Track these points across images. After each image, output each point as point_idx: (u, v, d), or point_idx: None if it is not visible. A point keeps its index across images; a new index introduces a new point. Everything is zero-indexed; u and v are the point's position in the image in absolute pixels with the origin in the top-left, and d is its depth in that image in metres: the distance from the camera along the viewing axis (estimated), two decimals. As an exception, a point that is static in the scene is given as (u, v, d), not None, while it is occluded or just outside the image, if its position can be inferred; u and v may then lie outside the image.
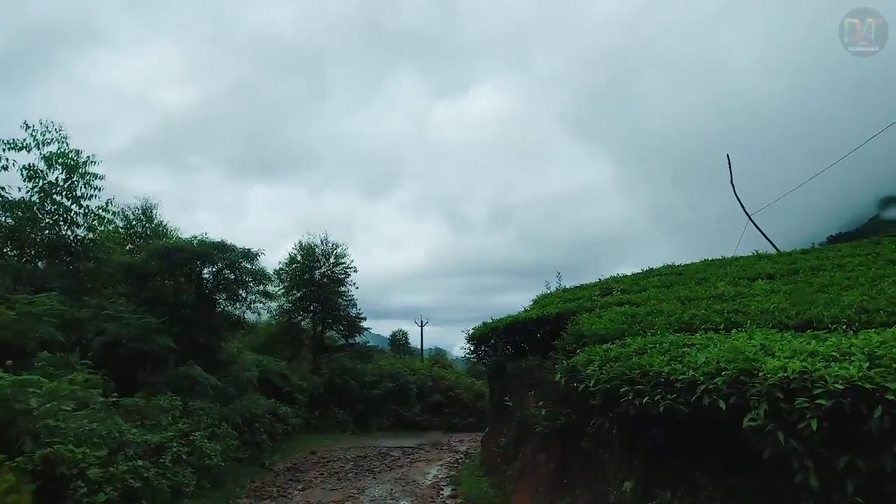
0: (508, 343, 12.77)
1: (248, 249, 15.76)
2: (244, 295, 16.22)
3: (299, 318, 28.06)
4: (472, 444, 22.93)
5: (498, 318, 13.55)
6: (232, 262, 15.62)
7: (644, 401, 4.86)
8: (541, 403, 9.54)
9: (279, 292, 27.55)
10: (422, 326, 44.59)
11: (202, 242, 15.26)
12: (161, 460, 7.63)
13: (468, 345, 14.29)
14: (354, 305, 28.87)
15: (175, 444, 8.31)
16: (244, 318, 16.92)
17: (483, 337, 13.34)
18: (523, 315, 13.10)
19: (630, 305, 10.37)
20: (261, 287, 16.46)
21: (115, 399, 10.13)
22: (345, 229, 67.12)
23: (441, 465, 15.65)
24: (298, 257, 27.92)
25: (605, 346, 6.94)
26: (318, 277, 27.82)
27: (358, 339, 29.18)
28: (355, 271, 28.70)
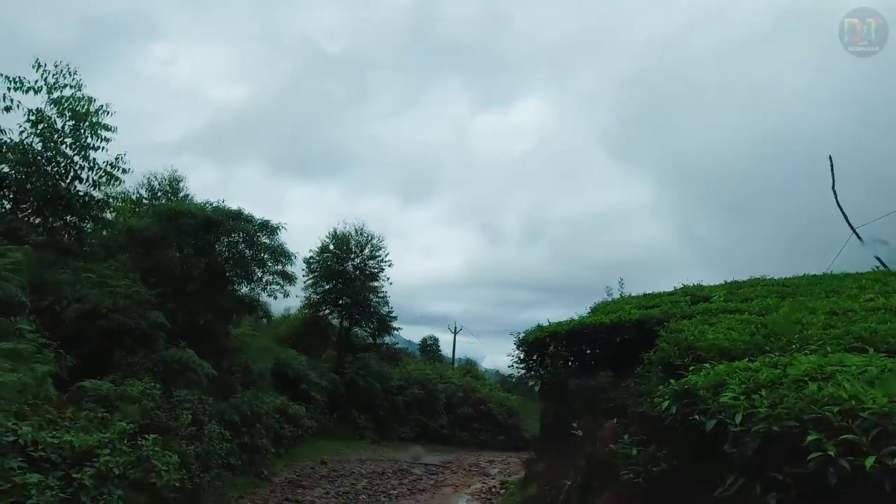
0: (571, 353, 9.88)
1: (268, 221, 13.41)
2: (260, 274, 13.85)
3: (326, 311, 25.64)
4: (503, 466, 19.90)
5: (557, 321, 10.69)
6: (249, 234, 13.29)
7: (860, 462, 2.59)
8: (627, 438, 6.65)
9: (307, 282, 25.32)
10: (455, 333, 41.75)
11: (217, 209, 12.98)
12: (77, 475, 5.11)
13: (516, 352, 11.47)
14: (386, 303, 26.32)
15: (109, 451, 5.77)
16: (259, 302, 14.48)
17: (537, 343, 10.43)
18: (590, 319, 10.17)
19: (749, 314, 7.46)
20: (280, 267, 14.04)
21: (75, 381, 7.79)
22: (378, 232, 65.15)
23: (472, 497, 12.77)
24: (331, 246, 25.54)
25: (738, 365, 4.46)
26: (349, 270, 25.39)
27: (387, 339, 26.56)
28: (390, 265, 26.19)
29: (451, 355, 40.56)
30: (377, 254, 26.05)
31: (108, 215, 13.04)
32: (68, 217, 12.90)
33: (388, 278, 26.19)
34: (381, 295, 26.09)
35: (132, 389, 8.51)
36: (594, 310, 11.30)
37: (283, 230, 13.43)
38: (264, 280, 13.85)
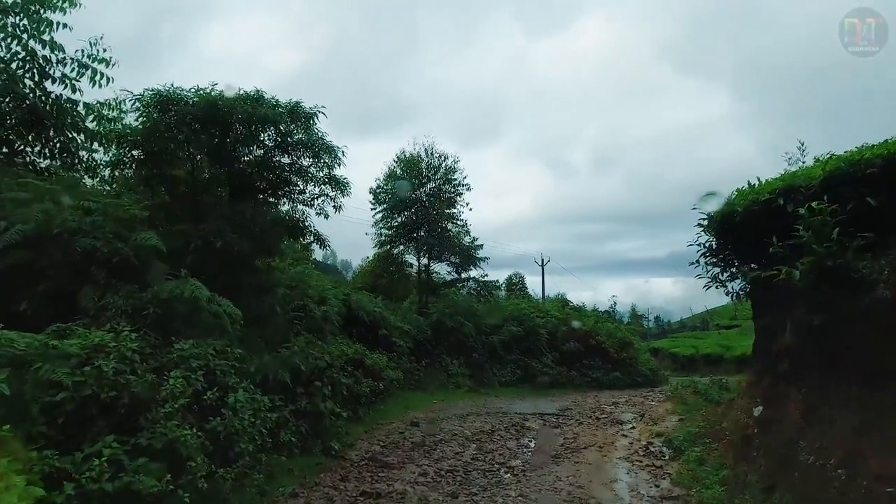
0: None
1: (298, 103, 9.36)
2: (302, 186, 9.96)
3: (401, 247, 21.88)
4: (633, 410, 15.66)
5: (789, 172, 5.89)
6: (281, 133, 9.33)
7: None
8: None
9: (376, 216, 21.61)
10: (542, 266, 37.17)
11: (223, 97, 8.98)
12: None
13: (703, 239, 6.88)
14: (468, 232, 22.14)
15: None
16: (305, 223, 10.57)
17: (750, 216, 5.79)
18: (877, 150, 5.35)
19: None
20: (325, 171, 10.04)
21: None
22: (453, 152, 60.67)
23: (631, 465, 8.58)
24: (398, 171, 21.53)
25: None
26: (423, 197, 21.32)
27: (473, 272, 22.52)
28: (469, 189, 21.80)
29: (538, 293, 36.23)
30: (453, 177, 21.71)
31: (91, 124, 9.52)
32: (49, 133, 9.50)
33: (468, 204, 21.92)
34: (461, 223, 21.95)
35: (72, 347, 4.87)
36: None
37: (320, 117, 9.33)
38: (307, 192, 9.96)
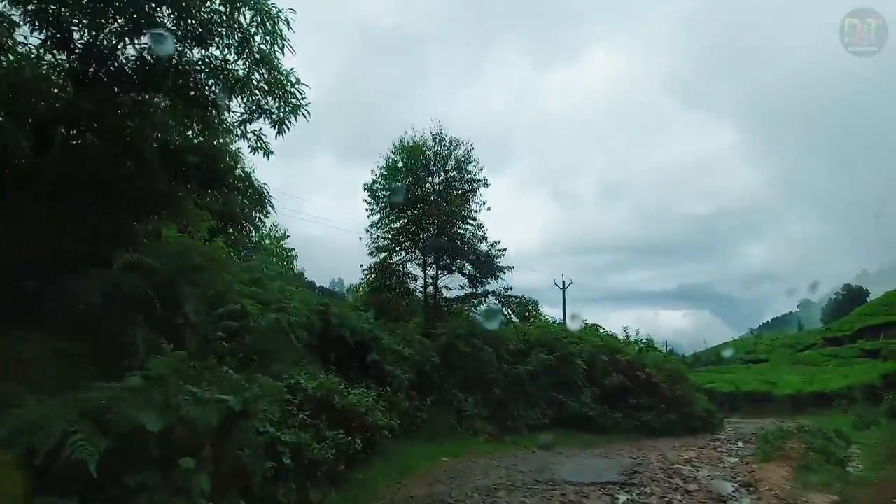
0: None
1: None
2: (212, 94, 5.66)
3: (402, 254, 17.54)
4: (723, 471, 11.03)
5: None
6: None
7: None
8: None
9: (372, 218, 17.34)
10: (564, 289, 32.54)
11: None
12: None
13: None
14: (485, 236, 17.71)
15: None
16: (232, 159, 6.09)
17: None
18: None
19: None
20: (255, 72, 5.72)
21: None
22: (467, 138, 56.47)
23: None
24: (399, 163, 17.40)
25: None
26: (430, 192, 17.11)
27: (491, 286, 17.95)
28: (486, 185, 17.57)
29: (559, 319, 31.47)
30: (467, 167, 17.50)
31: None
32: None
33: (486, 202, 17.64)
34: (476, 224, 17.58)
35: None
36: None
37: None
38: (221, 102, 5.61)
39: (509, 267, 17.34)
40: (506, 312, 16.71)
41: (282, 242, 18.03)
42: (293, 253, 17.51)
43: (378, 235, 17.38)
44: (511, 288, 16.87)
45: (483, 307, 16.73)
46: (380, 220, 17.36)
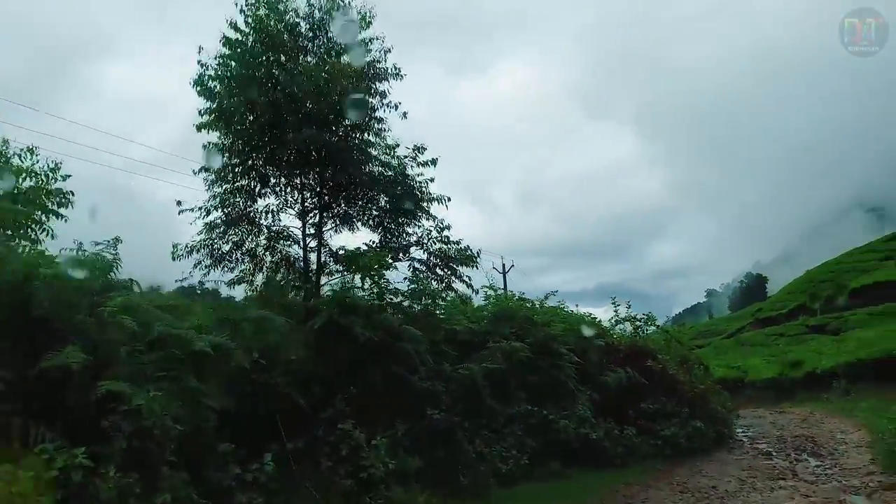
0: None
1: None
2: None
3: (257, 189, 9.92)
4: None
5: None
6: None
7: None
8: None
9: (212, 128, 9.77)
10: (504, 273, 26.22)
11: None
12: None
13: None
14: (403, 174, 10.56)
15: None
16: None
17: None
18: None
19: None
20: None
21: None
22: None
23: None
24: (249, 40, 9.87)
25: None
26: (301, 80, 9.69)
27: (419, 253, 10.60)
28: (397, 77, 10.41)
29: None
30: (370, 48, 10.29)
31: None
32: None
33: (399, 106, 10.45)
34: (390, 150, 10.36)
35: None
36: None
37: None
38: None
39: (449, 227, 10.23)
40: (442, 274, 9.61)
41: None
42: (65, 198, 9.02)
43: (227, 167, 9.77)
44: (449, 227, 9.76)
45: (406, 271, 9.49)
46: (227, 142, 9.78)
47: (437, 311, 8.51)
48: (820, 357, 22.87)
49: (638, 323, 12.80)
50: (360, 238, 10.42)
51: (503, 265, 25.36)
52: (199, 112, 9.67)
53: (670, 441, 10.27)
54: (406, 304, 7.80)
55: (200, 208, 9.55)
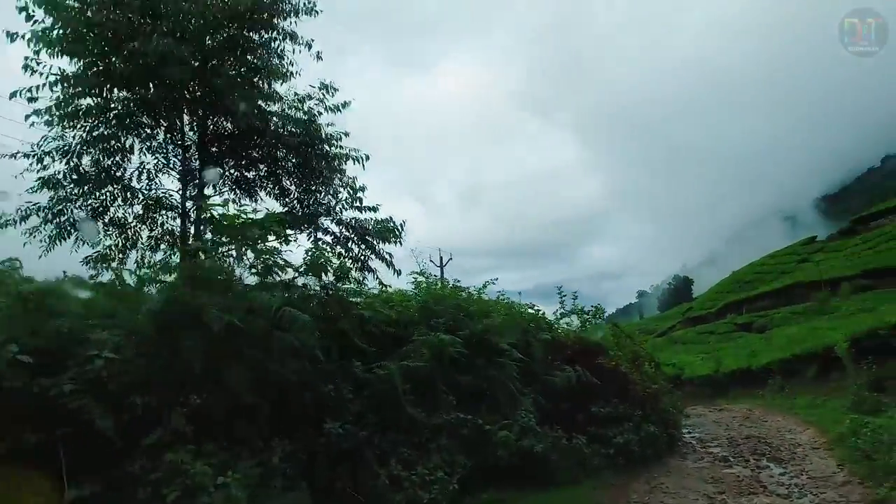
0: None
1: None
2: None
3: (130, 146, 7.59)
4: None
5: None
6: None
7: None
8: None
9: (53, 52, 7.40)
10: (442, 266, 24.57)
11: None
12: None
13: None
14: (312, 124, 8.39)
15: None
16: None
17: None
18: None
19: None
20: None
21: None
22: None
23: None
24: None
25: None
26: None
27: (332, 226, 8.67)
28: (314, 12, 8.43)
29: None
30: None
31: None
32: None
33: (319, 52, 8.41)
34: (295, 99, 8.34)
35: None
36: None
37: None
38: None
39: (358, 187, 8.27)
40: (358, 251, 7.65)
41: None
42: None
43: (70, 100, 7.41)
44: (364, 190, 7.78)
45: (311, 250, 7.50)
46: (77, 70, 7.40)
47: (346, 294, 6.59)
48: (755, 354, 22.84)
49: (586, 316, 11.42)
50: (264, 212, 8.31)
51: (440, 258, 23.66)
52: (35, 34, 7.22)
53: (623, 449, 8.90)
54: (301, 282, 5.86)
55: (32, 155, 7.13)
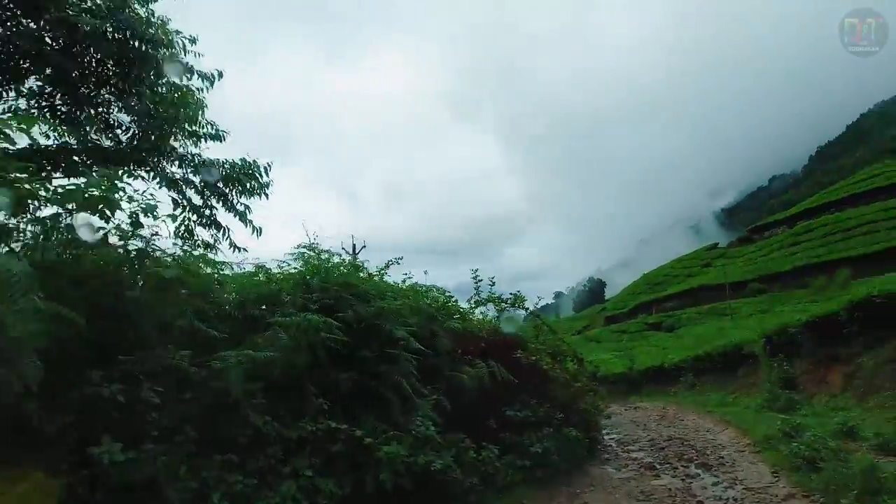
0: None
1: None
2: None
3: None
4: None
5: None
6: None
7: None
8: None
9: None
10: (355, 254, 22.35)
11: None
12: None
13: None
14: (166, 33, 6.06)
15: None
16: None
17: None
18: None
19: None
20: None
21: None
22: None
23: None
24: None
25: None
26: None
27: (172, 168, 6.46)
28: None
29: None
30: None
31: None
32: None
33: None
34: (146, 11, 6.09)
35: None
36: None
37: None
38: None
39: (198, 104, 6.12)
40: (202, 201, 5.55)
41: None
42: None
43: None
44: (205, 107, 5.65)
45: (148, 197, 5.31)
46: None
47: (169, 258, 4.51)
48: (665, 352, 22.90)
49: (504, 304, 9.95)
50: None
51: (353, 245, 21.55)
52: None
53: (542, 458, 7.47)
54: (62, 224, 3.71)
55: None
